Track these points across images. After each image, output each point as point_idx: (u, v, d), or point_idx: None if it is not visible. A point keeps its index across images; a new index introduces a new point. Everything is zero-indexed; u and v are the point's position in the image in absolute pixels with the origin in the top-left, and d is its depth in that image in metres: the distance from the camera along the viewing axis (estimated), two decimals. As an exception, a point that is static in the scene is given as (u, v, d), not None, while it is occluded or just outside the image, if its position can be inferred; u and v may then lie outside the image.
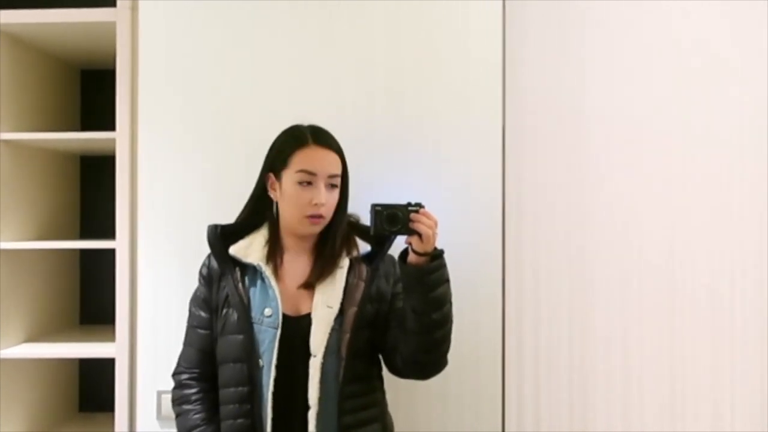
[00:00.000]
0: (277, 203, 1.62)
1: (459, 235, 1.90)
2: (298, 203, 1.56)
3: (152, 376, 1.93)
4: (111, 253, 1.98)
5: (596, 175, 1.99)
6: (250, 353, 1.53)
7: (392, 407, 1.70)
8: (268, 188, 1.61)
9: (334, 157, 1.58)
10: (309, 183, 1.55)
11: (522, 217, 1.99)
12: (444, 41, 1.95)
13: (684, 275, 1.98)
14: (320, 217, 1.56)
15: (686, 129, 1.99)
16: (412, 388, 1.78)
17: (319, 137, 1.59)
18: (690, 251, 1.98)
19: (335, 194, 1.59)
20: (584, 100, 2.00)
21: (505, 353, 1.97)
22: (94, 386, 2.44)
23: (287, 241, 1.62)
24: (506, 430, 1.95)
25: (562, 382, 1.98)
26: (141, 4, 1.96)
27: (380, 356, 1.64)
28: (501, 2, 1.96)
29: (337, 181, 1.58)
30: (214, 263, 1.62)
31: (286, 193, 1.57)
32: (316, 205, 1.54)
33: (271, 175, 1.60)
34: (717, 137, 1.99)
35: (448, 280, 1.51)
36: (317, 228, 1.58)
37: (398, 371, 1.61)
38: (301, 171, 1.55)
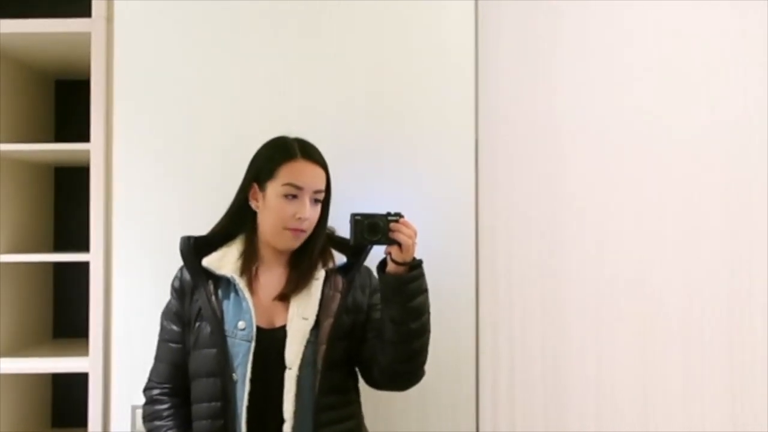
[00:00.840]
0: (257, 214, 1.60)
1: (432, 244, 1.89)
2: (281, 216, 1.55)
3: (126, 391, 1.90)
4: (85, 266, 1.95)
5: (570, 184, 2.01)
6: (223, 367, 1.51)
7: (370, 417, 1.69)
8: (250, 198, 1.60)
9: (320, 173, 1.58)
10: (294, 196, 1.55)
11: (495, 226, 2.00)
12: (419, 52, 1.96)
13: (655, 283, 2.00)
14: (302, 231, 1.56)
15: (661, 138, 2.01)
16: (391, 398, 1.76)
17: (308, 151, 1.58)
18: (662, 259, 2.00)
19: (318, 209, 1.58)
20: (558, 109, 2.02)
21: (479, 361, 1.97)
22: (67, 401, 2.40)
23: (264, 252, 1.61)
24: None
25: (536, 389, 1.99)
26: (116, 15, 1.95)
27: (357, 368, 1.63)
28: (474, 13, 1.97)
29: (321, 196, 1.58)
30: (187, 276, 1.60)
31: (269, 204, 1.56)
32: (299, 219, 1.54)
33: (255, 185, 1.59)
34: (693, 148, 2.01)
35: (426, 290, 1.51)
36: (297, 242, 1.57)
37: (375, 383, 1.60)
38: (288, 184, 1.55)
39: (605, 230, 2.00)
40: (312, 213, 1.56)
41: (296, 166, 1.56)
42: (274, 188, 1.56)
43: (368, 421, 1.69)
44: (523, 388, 1.99)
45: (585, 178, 2.01)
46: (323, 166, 1.59)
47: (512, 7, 2.02)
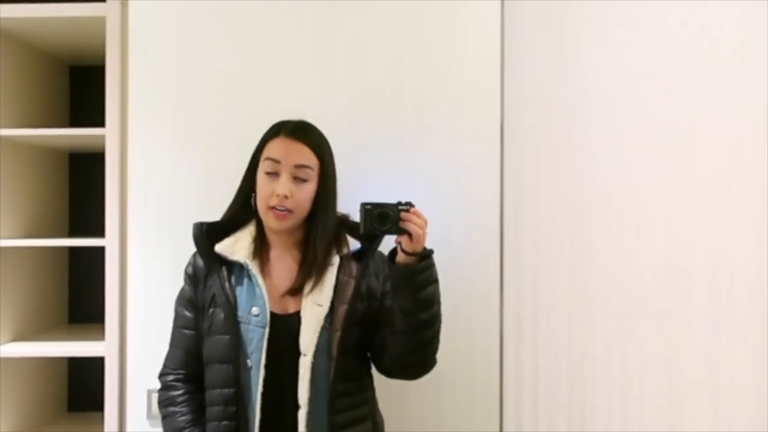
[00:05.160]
0: None
1: (455, 234, 1.90)
2: (263, 194, 1.54)
3: (142, 375, 1.91)
4: (101, 250, 1.96)
5: (596, 172, 1.98)
6: (237, 353, 1.51)
7: (384, 404, 1.69)
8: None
9: (304, 149, 1.54)
10: (274, 173, 1.53)
11: (520, 216, 1.97)
12: (441, 37, 1.93)
13: (682, 271, 1.96)
14: (286, 210, 1.52)
15: (687, 125, 1.97)
16: (405, 385, 1.76)
17: (294, 130, 1.56)
18: (689, 248, 1.96)
19: (306, 188, 1.54)
20: (584, 95, 1.98)
21: (503, 351, 1.95)
22: (83, 385, 2.42)
23: (271, 237, 1.60)
24: (504, 429, 1.94)
25: (560, 380, 1.97)
26: (131, -1, 1.94)
27: (369, 355, 1.62)
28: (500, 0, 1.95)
29: (308, 174, 1.53)
30: (200, 262, 1.59)
31: (257, 184, 1.56)
32: (277, 196, 1.51)
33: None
34: (719, 134, 1.97)
35: (436, 281, 1.49)
36: (284, 223, 1.53)
37: (386, 371, 1.60)
38: (267, 159, 1.54)
39: (633, 217, 1.97)
40: (295, 191, 1.52)
41: (277, 143, 1.55)
42: (260, 167, 1.55)
43: (382, 407, 1.69)
44: (548, 380, 1.96)
45: (612, 163, 1.97)
46: (311, 144, 1.55)
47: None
